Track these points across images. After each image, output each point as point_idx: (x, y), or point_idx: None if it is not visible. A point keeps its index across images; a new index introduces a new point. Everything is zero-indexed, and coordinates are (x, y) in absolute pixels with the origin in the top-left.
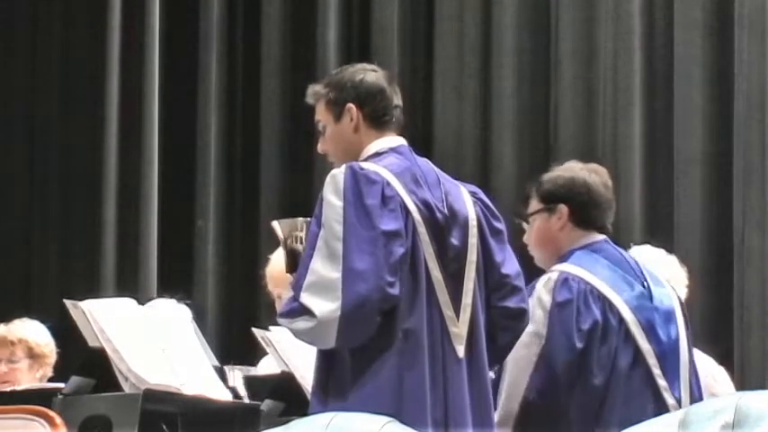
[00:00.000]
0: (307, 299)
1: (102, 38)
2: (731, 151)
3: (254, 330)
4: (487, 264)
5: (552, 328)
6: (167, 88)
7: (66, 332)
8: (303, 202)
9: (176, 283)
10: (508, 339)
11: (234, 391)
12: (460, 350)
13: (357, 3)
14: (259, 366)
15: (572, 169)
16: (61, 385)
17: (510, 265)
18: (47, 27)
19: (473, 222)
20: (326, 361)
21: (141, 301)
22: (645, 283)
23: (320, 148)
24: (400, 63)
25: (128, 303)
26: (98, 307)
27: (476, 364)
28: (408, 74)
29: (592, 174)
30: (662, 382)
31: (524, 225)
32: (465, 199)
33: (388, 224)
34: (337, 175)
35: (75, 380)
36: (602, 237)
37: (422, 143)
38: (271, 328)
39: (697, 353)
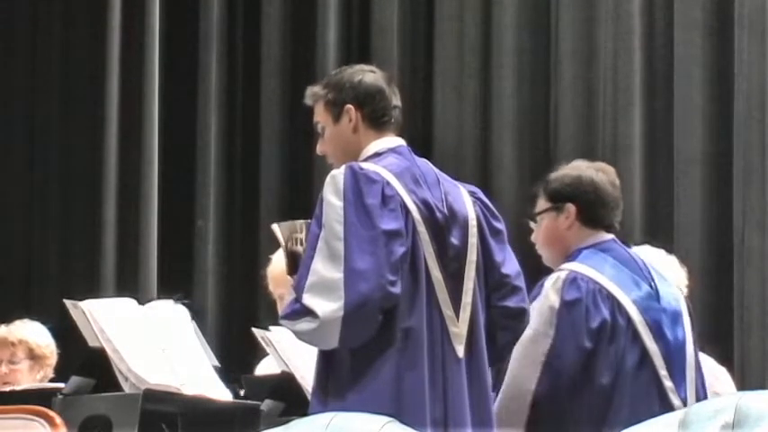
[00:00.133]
0: (309, 300)
1: (102, 38)
2: (731, 151)
3: (254, 330)
4: (487, 263)
5: (561, 327)
6: (167, 88)
7: (66, 332)
8: (303, 202)
9: (176, 283)
10: (508, 339)
11: None
12: (460, 350)
13: (357, 3)
14: (257, 370)
15: (579, 168)
16: (61, 385)
17: (510, 265)
18: (47, 27)
19: (473, 222)
20: (326, 361)
21: (141, 301)
22: (652, 284)
23: (319, 149)
24: (400, 63)
25: (128, 303)
26: (98, 307)
27: (475, 364)
28: (408, 74)
29: (599, 172)
30: (668, 383)
31: (532, 224)
32: (464, 199)
33: (389, 223)
34: (337, 175)
35: (75, 380)
36: (610, 236)
37: (422, 143)
38: (271, 328)
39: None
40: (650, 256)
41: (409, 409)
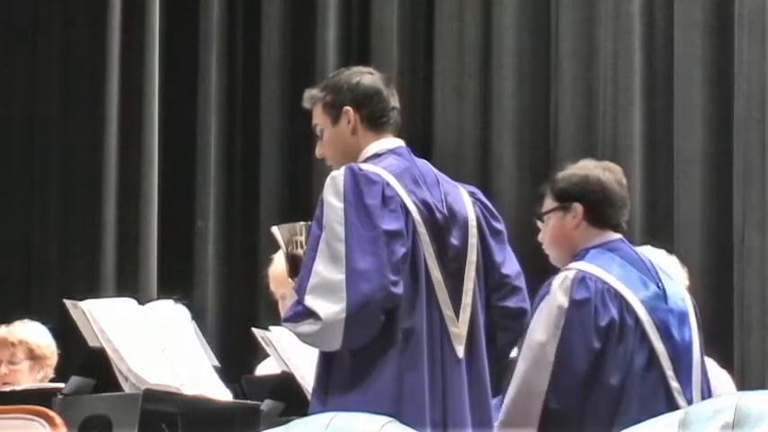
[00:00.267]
0: (311, 301)
1: (102, 38)
2: (731, 151)
3: (254, 330)
4: (487, 264)
5: (569, 327)
6: (167, 88)
7: (66, 332)
8: (303, 202)
9: (176, 283)
10: (508, 339)
11: None
12: (460, 350)
13: (357, 3)
14: (258, 370)
15: (586, 167)
16: (61, 385)
17: (510, 265)
18: (47, 27)
19: (472, 223)
20: (327, 361)
21: (141, 301)
22: (660, 284)
23: (318, 151)
24: (400, 63)
25: (128, 303)
26: (98, 307)
27: (475, 365)
28: (408, 74)
29: (606, 172)
30: (675, 384)
31: (539, 224)
32: (464, 200)
33: (390, 224)
34: (337, 176)
35: (75, 380)
36: (617, 236)
37: (422, 143)
38: (271, 328)
39: None
40: (651, 256)
41: (409, 410)
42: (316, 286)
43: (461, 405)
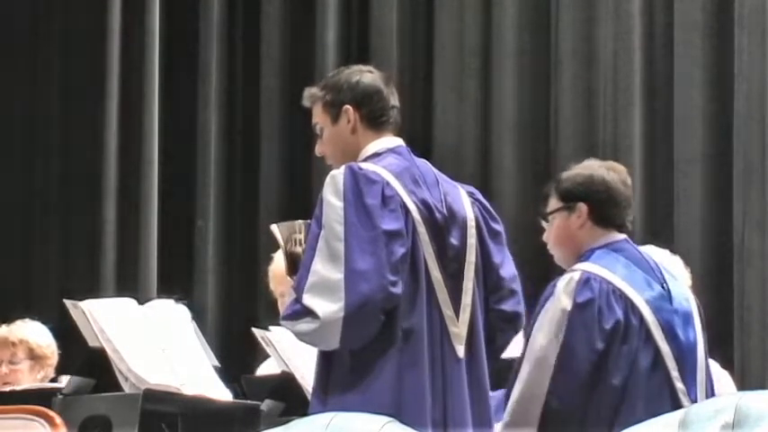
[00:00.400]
0: (309, 300)
1: (102, 38)
2: (731, 151)
3: (254, 330)
4: (486, 265)
5: (572, 330)
6: (167, 88)
7: (66, 332)
8: (303, 202)
9: (176, 283)
10: (506, 340)
11: None
12: (460, 350)
13: (356, 3)
14: (259, 371)
15: (590, 167)
16: (61, 385)
17: (507, 268)
18: (47, 27)
19: (471, 223)
20: (327, 361)
21: (141, 301)
22: (664, 284)
23: (318, 150)
24: (400, 63)
25: (128, 303)
26: (98, 307)
27: (475, 365)
28: (408, 74)
29: (610, 171)
30: (679, 385)
31: (544, 224)
32: (463, 200)
33: (389, 224)
34: (337, 175)
35: (75, 380)
36: (622, 236)
37: (422, 143)
38: (271, 328)
39: None
40: (655, 256)
41: (410, 409)
42: (314, 285)
43: (461, 405)
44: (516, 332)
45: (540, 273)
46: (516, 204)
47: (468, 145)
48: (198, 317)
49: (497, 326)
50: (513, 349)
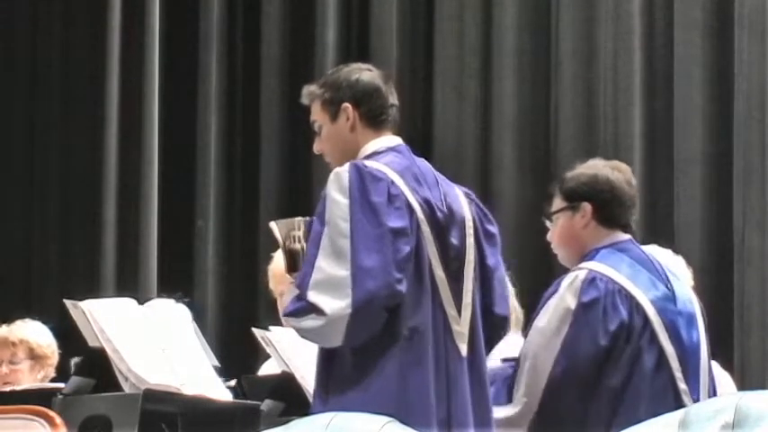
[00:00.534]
0: (315, 297)
1: (102, 38)
2: (731, 151)
3: (254, 330)
4: (480, 266)
5: (576, 329)
6: (167, 88)
7: (66, 332)
8: (303, 202)
9: (176, 283)
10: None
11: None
12: (463, 348)
13: (356, 3)
14: (261, 371)
15: (595, 167)
16: (61, 385)
17: (500, 271)
18: (47, 27)
19: (469, 223)
20: (328, 361)
21: (141, 301)
22: (669, 285)
23: (316, 148)
24: (400, 63)
25: (128, 303)
26: (98, 307)
27: (477, 364)
28: (408, 74)
29: (615, 171)
30: (683, 386)
31: (548, 223)
32: (461, 200)
33: (395, 221)
34: (341, 172)
35: (75, 380)
36: (626, 236)
37: (422, 143)
38: (271, 328)
39: None
40: (658, 256)
41: (414, 408)
42: (319, 282)
43: (464, 404)
44: (503, 335)
45: (539, 272)
46: (516, 204)
47: (468, 145)
48: (198, 317)
49: (485, 328)
50: (512, 350)
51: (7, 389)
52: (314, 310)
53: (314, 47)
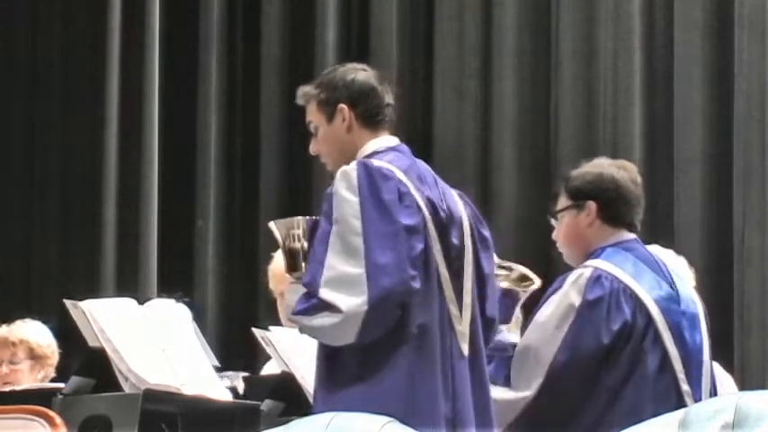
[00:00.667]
0: (327, 294)
1: (102, 38)
2: (731, 151)
3: (254, 330)
4: (476, 271)
5: (579, 326)
6: (167, 88)
7: (66, 332)
8: (303, 202)
9: (176, 283)
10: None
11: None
12: (465, 348)
13: (356, 3)
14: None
15: (600, 165)
16: (61, 385)
17: (491, 273)
18: (47, 27)
19: (466, 224)
20: (330, 360)
21: (141, 301)
22: (673, 285)
23: (312, 149)
24: (400, 63)
25: (128, 303)
26: (98, 307)
27: (477, 363)
28: (408, 74)
29: (620, 170)
30: (685, 387)
31: (553, 222)
32: (457, 201)
33: (407, 219)
34: (349, 171)
35: (75, 380)
36: (632, 236)
37: (422, 143)
38: (271, 328)
39: None
40: (660, 256)
41: (423, 405)
42: (332, 279)
43: (467, 403)
44: (493, 337)
45: (539, 272)
46: (516, 204)
47: (468, 145)
48: (198, 317)
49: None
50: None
51: (7, 389)
52: (327, 307)
53: (314, 47)
